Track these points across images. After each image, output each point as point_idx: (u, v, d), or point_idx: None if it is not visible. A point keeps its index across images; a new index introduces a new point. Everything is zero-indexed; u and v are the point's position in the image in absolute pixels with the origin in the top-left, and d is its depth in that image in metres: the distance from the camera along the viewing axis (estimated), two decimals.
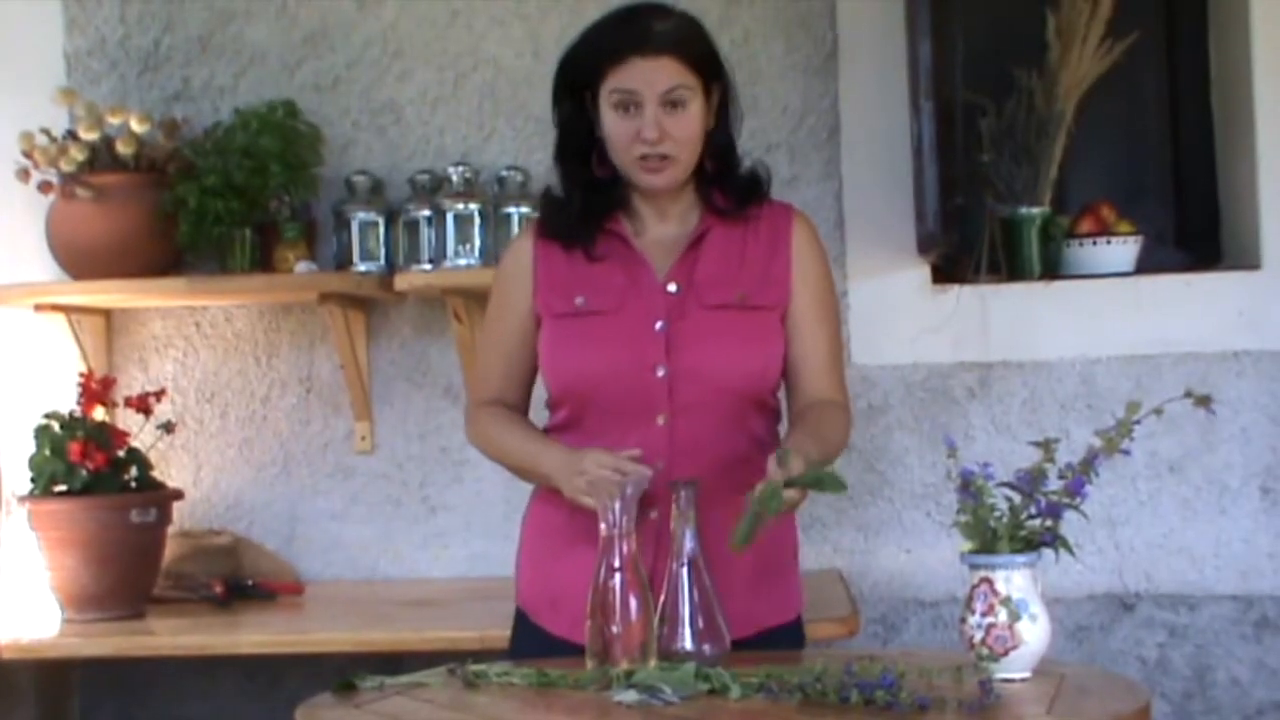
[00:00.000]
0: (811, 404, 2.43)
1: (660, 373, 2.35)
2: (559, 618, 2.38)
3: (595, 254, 2.44)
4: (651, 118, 2.35)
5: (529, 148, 3.76)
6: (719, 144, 2.46)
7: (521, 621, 2.50)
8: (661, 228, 2.47)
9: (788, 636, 2.45)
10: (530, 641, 2.43)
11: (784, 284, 2.44)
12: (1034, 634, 2.01)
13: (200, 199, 3.54)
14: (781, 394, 2.49)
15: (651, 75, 2.35)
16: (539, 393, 2.56)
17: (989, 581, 2.03)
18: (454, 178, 3.65)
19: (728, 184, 2.47)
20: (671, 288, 2.40)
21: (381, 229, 3.68)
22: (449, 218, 3.60)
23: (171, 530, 3.51)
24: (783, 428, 2.48)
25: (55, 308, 3.68)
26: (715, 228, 2.45)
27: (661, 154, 2.37)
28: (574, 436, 2.40)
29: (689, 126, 2.38)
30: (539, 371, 2.50)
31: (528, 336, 2.48)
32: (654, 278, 2.41)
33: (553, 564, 2.42)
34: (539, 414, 2.55)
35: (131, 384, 3.81)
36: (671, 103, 2.36)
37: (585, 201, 2.46)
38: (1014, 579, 2.02)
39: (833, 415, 2.43)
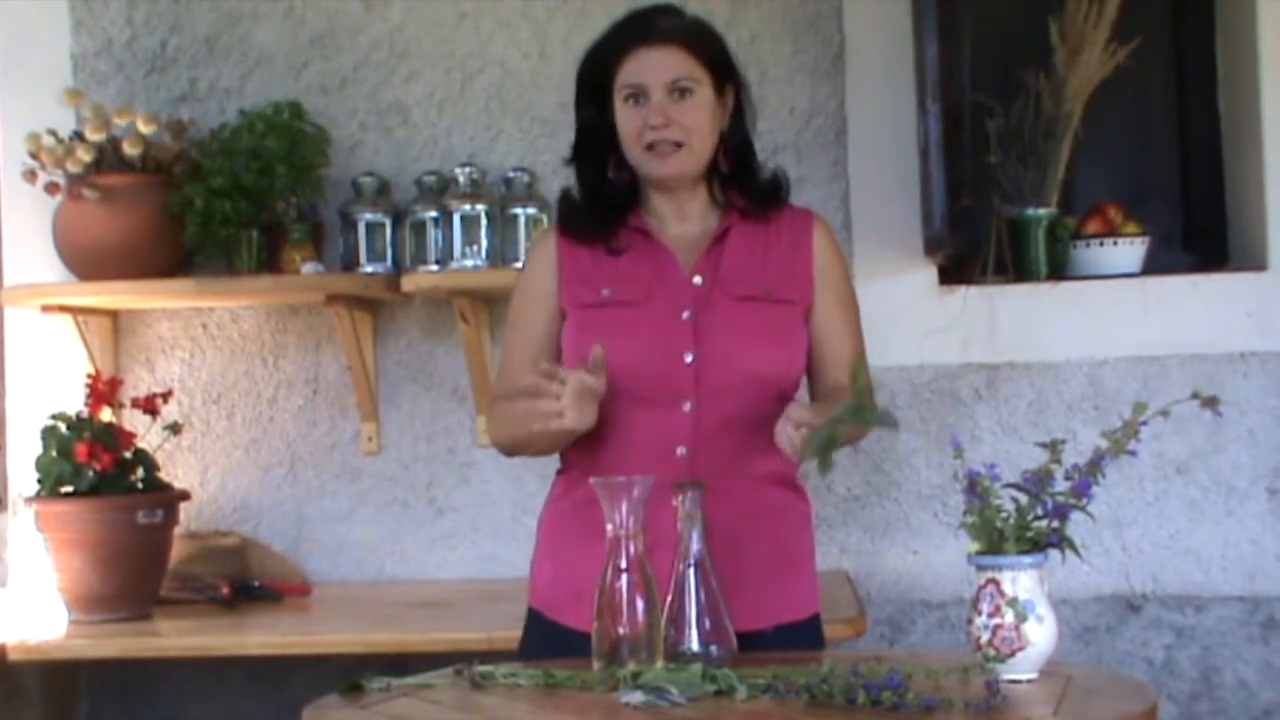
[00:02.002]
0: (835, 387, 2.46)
1: (688, 359, 2.36)
2: (584, 611, 2.36)
3: (618, 248, 2.46)
4: (657, 104, 2.38)
5: (536, 149, 3.77)
6: (735, 144, 2.48)
7: (536, 621, 2.49)
8: (682, 227, 2.48)
9: (806, 634, 2.44)
10: (546, 641, 2.42)
11: (806, 281, 2.46)
12: (1041, 635, 2.01)
13: (207, 200, 3.54)
14: (801, 395, 2.49)
15: (657, 64, 2.39)
16: None
17: (996, 582, 2.02)
18: (461, 179, 3.65)
19: (747, 185, 2.49)
20: (697, 280, 2.42)
21: (388, 230, 3.68)
22: (456, 219, 3.60)
23: (178, 531, 3.51)
24: None
25: (62, 309, 3.69)
26: (737, 225, 2.47)
27: (669, 140, 2.39)
28: (598, 426, 2.39)
29: (696, 115, 2.40)
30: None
31: (554, 332, 2.48)
32: (679, 270, 2.43)
33: (575, 559, 2.40)
34: None
35: (138, 385, 3.81)
36: (678, 91, 2.39)
37: (602, 198, 2.47)
38: (1021, 580, 2.02)
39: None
